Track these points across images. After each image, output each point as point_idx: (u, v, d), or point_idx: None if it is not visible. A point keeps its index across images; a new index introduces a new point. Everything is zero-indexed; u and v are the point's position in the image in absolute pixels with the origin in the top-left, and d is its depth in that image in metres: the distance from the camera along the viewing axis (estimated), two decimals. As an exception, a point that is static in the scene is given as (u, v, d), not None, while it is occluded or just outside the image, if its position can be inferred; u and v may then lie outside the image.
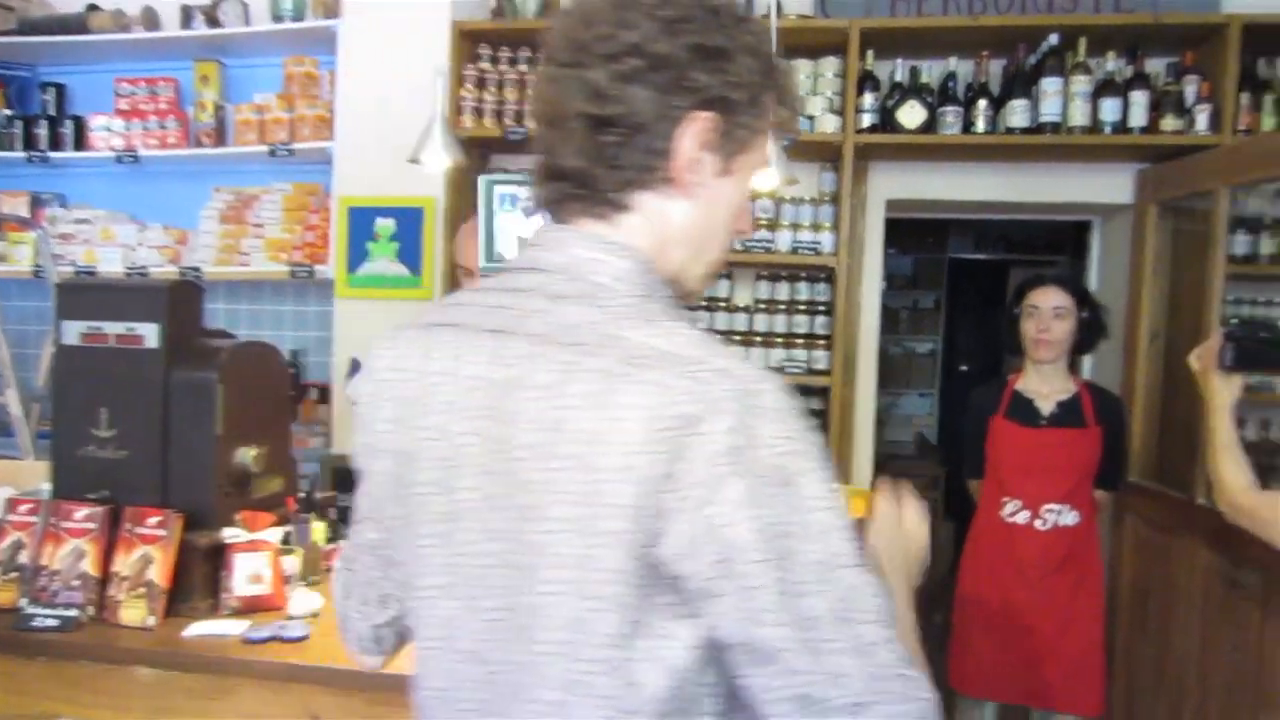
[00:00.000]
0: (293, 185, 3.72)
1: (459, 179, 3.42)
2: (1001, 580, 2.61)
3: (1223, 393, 1.88)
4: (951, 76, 3.32)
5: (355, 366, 3.51)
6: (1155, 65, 3.18)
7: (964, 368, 7.67)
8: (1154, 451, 3.26)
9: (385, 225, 3.49)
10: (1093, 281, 3.79)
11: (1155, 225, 3.27)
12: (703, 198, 0.83)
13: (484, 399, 0.79)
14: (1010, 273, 6.96)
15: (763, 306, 3.51)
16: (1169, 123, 3.08)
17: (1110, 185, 3.41)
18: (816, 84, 3.35)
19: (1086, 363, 3.45)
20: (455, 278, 3.41)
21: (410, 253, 3.49)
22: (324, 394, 3.66)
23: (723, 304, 3.56)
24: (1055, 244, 6.28)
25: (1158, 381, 3.28)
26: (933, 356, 7.04)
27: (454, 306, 0.88)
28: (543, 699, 0.77)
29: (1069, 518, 2.60)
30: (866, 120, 3.26)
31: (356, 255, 3.52)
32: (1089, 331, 2.68)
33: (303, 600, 1.82)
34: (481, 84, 3.42)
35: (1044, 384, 2.67)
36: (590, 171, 0.80)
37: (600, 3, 0.80)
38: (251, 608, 1.82)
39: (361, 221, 3.51)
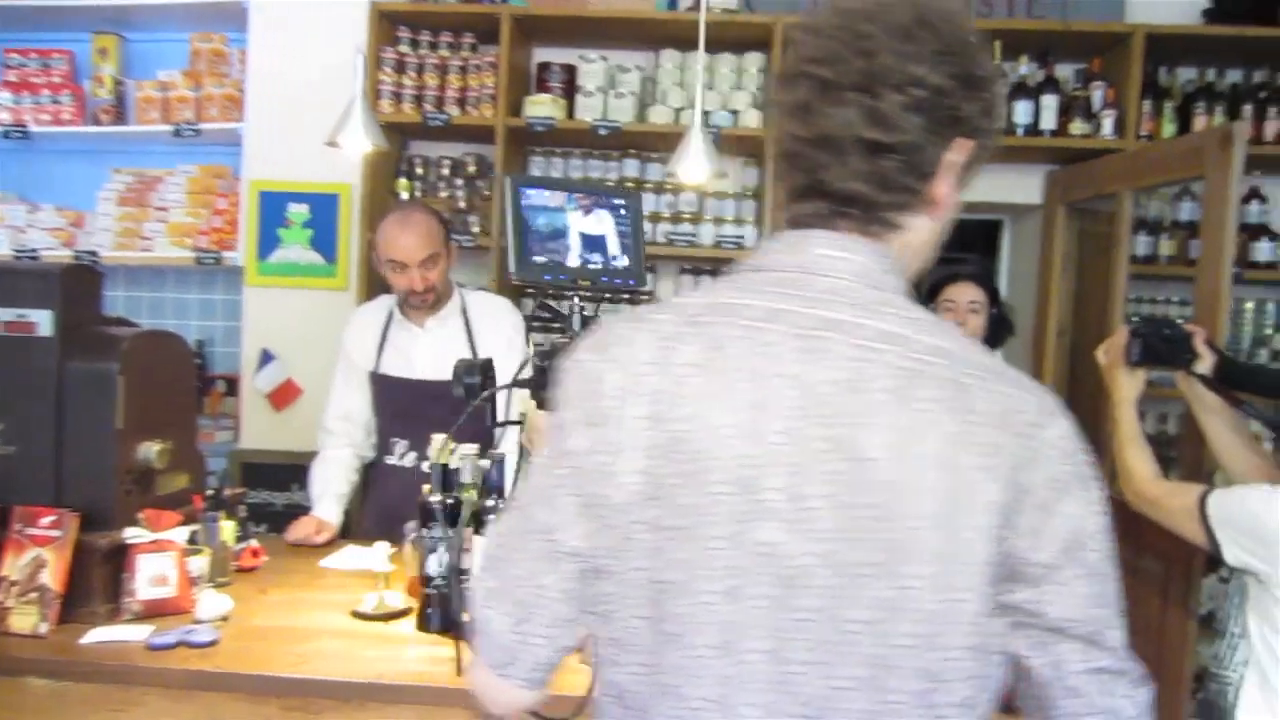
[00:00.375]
0: (198, 167, 3.57)
1: (377, 165, 3.32)
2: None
3: (1127, 386, 1.95)
4: (872, 75, 3.37)
5: (266, 358, 3.38)
6: (1065, 71, 3.29)
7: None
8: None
9: (298, 211, 3.37)
10: (1003, 279, 3.91)
11: (1064, 225, 3.39)
12: (941, 214, 0.89)
13: (799, 400, 0.79)
14: (922, 269, 7.18)
15: (685, 300, 3.51)
16: (1077, 126, 3.19)
17: (1021, 186, 3.52)
18: (741, 79, 3.37)
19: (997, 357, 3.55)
20: (370, 269, 3.31)
21: (325, 240, 3.38)
22: (231, 386, 3.52)
23: (645, 298, 3.54)
24: (966, 242, 6.47)
25: (1064, 375, 3.39)
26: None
27: (723, 305, 0.85)
28: (903, 689, 0.79)
29: (982, 509, 2.67)
30: (789, 116, 3.28)
31: (268, 242, 3.39)
32: (998, 327, 2.75)
33: (211, 603, 1.73)
34: (401, 68, 3.33)
35: (959, 379, 2.73)
36: (866, 193, 0.84)
37: (874, 30, 0.83)
38: (155, 612, 1.73)
39: (273, 207, 3.38)
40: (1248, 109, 3.18)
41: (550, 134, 3.33)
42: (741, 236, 3.33)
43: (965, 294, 2.65)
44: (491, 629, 0.89)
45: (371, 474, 2.54)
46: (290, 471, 3.18)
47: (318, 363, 3.37)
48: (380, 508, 2.49)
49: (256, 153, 3.40)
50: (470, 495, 1.82)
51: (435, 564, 1.71)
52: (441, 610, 1.72)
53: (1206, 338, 1.87)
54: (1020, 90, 3.20)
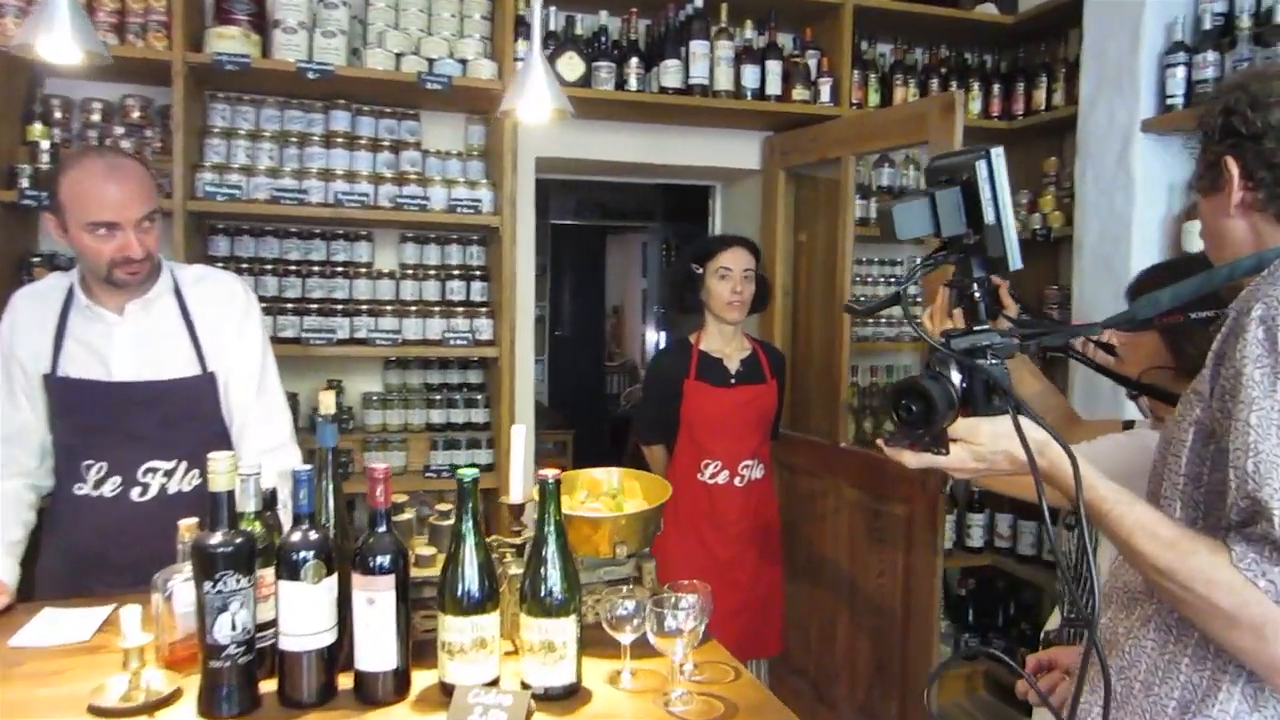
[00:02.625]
0: None
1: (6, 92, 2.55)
2: (704, 541, 2.60)
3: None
4: (603, 31, 3.21)
5: None
6: (785, 38, 3.36)
7: (558, 332, 7.85)
8: (792, 401, 3.50)
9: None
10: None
11: (784, 189, 3.49)
12: None
13: None
14: (607, 239, 7.22)
15: (409, 272, 3.13)
16: (799, 92, 3.27)
17: (738, 151, 3.57)
18: (464, 25, 3.04)
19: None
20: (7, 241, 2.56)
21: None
22: None
23: (362, 270, 3.11)
24: (647, 211, 6.61)
25: (790, 333, 3.51)
26: (541, 322, 7.06)
27: None
28: None
29: (758, 471, 2.67)
30: (520, 69, 3.02)
31: None
32: (763, 291, 2.76)
33: None
34: (28, -20, 2.57)
35: (727, 344, 2.70)
36: None
37: None
38: None
39: None
40: (934, 83, 3.48)
41: (241, 76, 2.77)
42: (479, 201, 3.02)
43: (742, 261, 2.62)
44: None
45: (54, 509, 1.93)
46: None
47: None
48: (71, 555, 1.90)
49: None
50: (257, 527, 1.39)
51: (228, 626, 1.28)
52: (240, 686, 1.29)
53: (1008, 289, 1.95)
54: (747, 54, 3.21)
